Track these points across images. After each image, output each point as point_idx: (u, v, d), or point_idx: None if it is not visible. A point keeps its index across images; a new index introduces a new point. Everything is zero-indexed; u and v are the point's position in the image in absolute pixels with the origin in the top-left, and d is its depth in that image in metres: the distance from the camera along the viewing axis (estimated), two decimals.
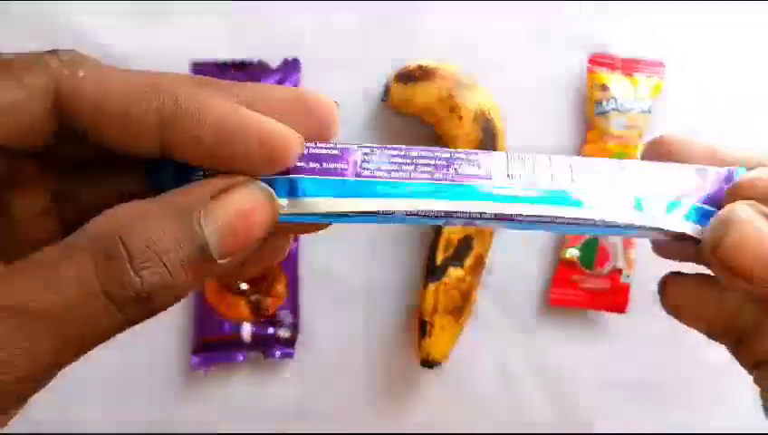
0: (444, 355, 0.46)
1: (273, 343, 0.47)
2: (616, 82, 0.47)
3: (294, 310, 0.47)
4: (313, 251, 0.48)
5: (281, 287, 0.47)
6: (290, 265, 0.47)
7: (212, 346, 0.47)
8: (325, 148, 0.21)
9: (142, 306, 0.16)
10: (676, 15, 0.48)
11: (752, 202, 0.19)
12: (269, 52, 0.46)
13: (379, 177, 0.20)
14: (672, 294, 0.23)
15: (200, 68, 0.45)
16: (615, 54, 0.47)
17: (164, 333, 0.48)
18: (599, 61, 0.47)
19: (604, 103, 0.47)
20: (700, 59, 0.48)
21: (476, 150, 0.21)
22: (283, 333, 0.47)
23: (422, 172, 0.21)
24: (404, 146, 0.21)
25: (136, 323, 0.17)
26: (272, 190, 0.18)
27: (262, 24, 0.47)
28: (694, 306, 0.22)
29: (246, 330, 0.47)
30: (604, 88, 0.47)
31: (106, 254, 0.15)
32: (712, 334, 0.23)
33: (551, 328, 0.49)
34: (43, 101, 0.17)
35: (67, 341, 0.16)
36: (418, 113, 0.45)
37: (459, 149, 0.21)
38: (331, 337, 0.48)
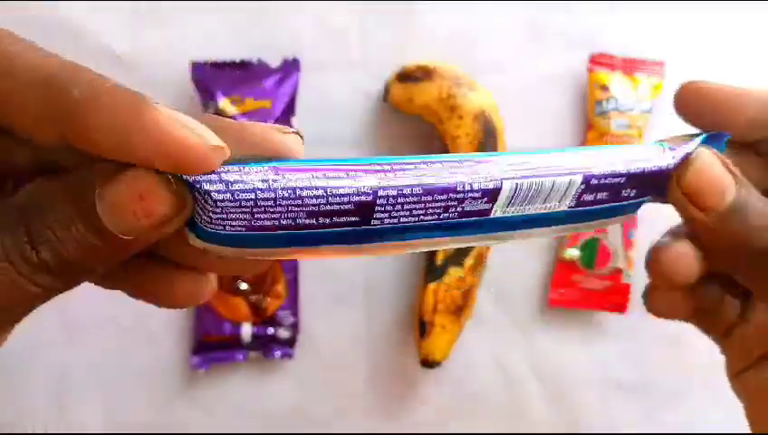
0: (444, 355, 0.46)
1: (273, 343, 0.47)
2: (616, 82, 0.47)
3: (294, 310, 0.47)
4: None
5: (281, 287, 0.47)
6: (290, 266, 0.47)
7: (212, 346, 0.47)
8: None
9: (52, 277, 0.18)
10: (677, 15, 0.48)
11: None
12: (269, 52, 0.46)
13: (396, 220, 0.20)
14: (655, 300, 0.26)
15: (200, 68, 0.45)
16: (615, 54, 0.47)
17: (164, 333, 0.48)
18: (599, 61, 0.47)
19: (604, 103, 0.47)
20: (700, 59, 0.48)
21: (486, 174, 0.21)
22: (283, 333, 0.47)
23: (431, 214, 0.20)
24: (419, 183, 0.20)
25: (57, 291, 0.18)
26: (169, 178, 0.18)
27: (262, 24, 0.47)
28: (675, 308, 0.26)
29: (246, 330, 0.47)
30: (604, 88, 0.47)
31: (9, 231, 0.17)
32: (699, 327, 0.27)
33: (550, 328, 0.49)
34: None
35: None
36: (418, 113, 0.45)
37: (470, 180, 0.20)
38: (331, 337, 0.48)
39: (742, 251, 0.23)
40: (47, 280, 0.18)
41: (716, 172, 0.22)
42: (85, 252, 0.18)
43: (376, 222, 0.20)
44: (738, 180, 0.23)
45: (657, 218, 0.28)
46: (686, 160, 0.23)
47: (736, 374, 0.26)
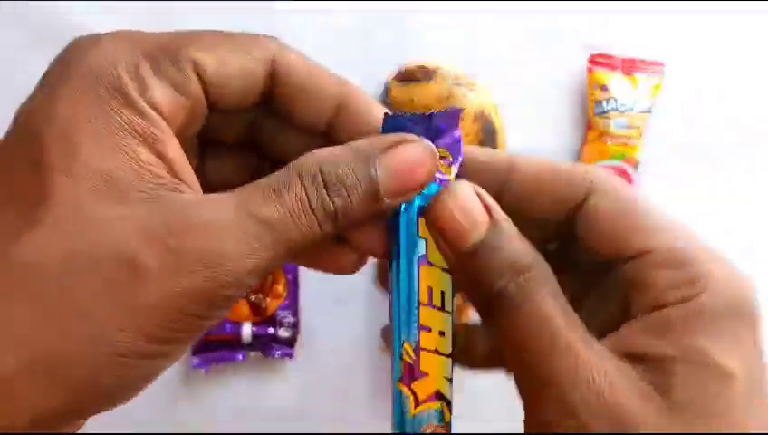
0: None
1: (273, 343, 0.47)
2: (616, 82, 0.47)
3: (294, 310, 0.47)
4: None
5: (281, 287, 0.47)
6: (290, 266, 0.47)
7: (212, 346, 0.47)
8: None
9: (332, 224, 0.20)
10: (677, 16, 0.48)
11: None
12: None
13: None
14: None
15: None
16: (615, 54, 0.47)
17: None
18: (599, 61, 0.47)
19: (604, 103, 0.47)
20: (700, 59, 0.48)
21: None
22: (283, 333, 0.47)
23: None
24: None
25: (326, 237, 0.21)
26: (434, 148, 0.22)
27: (262, 25, 0.47)
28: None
29: (246, 330, 0.47)
30: (604, 88, 0.47)
31: (311, 181, 0.20)
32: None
33: None
34: (264, 71, 0.22)
35: (285, 245, 0.20)
36: None
37: None
38: (331, 337, 0.48)
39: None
40: (330, 227, 0.20)
41: (468, 206, 0.21)
42: (360, 207, 0.21)
43: None
44: (494, 220, 0.21)
45: None
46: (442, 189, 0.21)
47: None
